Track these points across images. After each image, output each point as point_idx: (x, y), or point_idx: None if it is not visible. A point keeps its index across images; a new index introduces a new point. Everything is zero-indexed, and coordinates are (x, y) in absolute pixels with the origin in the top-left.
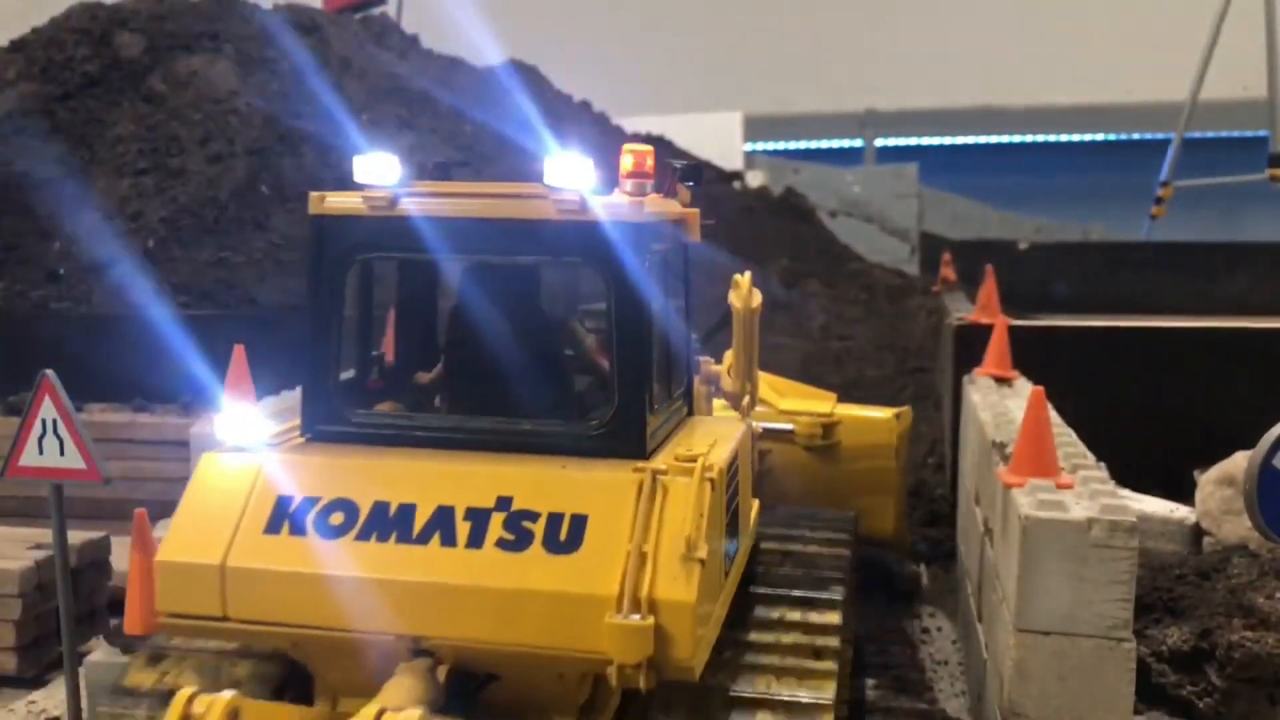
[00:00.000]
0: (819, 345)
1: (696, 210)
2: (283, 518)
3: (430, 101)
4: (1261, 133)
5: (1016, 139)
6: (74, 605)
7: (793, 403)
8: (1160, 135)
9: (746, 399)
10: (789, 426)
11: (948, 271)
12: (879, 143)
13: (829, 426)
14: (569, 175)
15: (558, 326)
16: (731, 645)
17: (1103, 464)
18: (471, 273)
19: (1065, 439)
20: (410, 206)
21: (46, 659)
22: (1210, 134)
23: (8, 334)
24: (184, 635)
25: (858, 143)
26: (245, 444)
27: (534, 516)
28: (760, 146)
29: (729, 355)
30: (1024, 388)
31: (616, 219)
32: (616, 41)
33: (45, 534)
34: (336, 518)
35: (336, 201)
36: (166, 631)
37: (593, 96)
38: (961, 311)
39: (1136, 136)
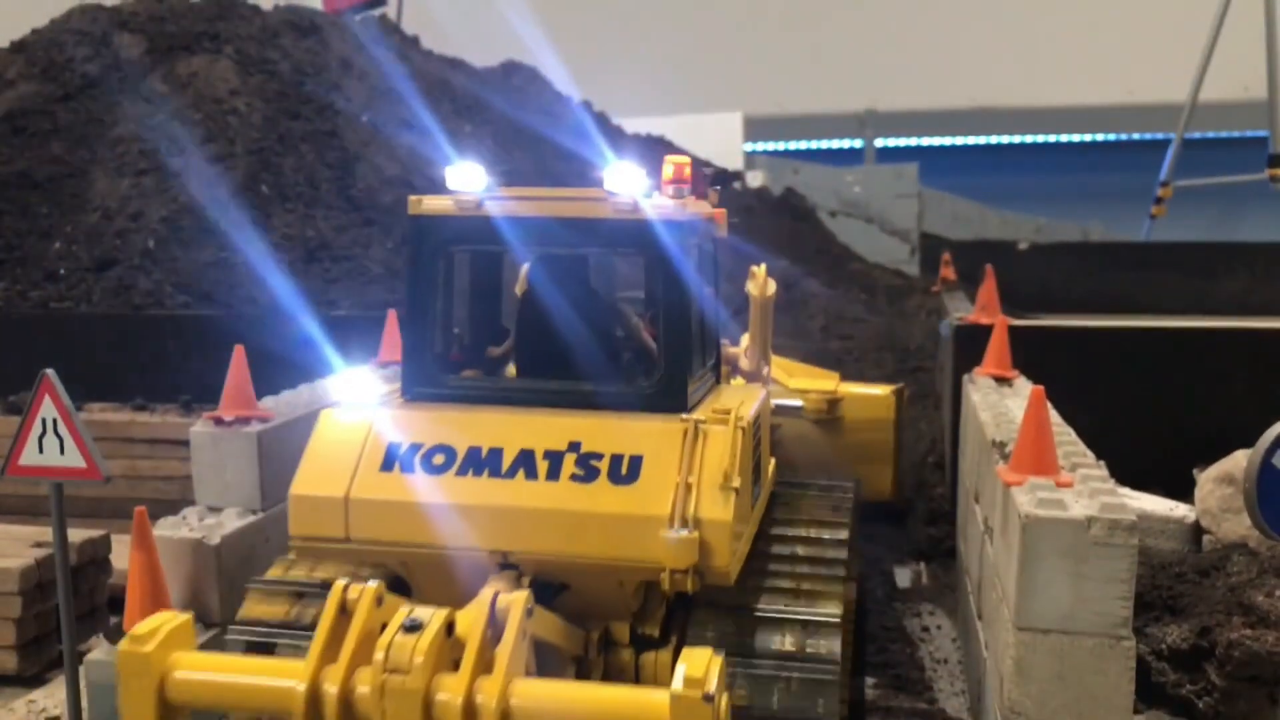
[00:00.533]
0: (819, 345)
1: (724, 210)
2: (394, 459)
3: (430, 102)
4: (1261, 133)
5: (1017, 139)
6: (74, 604)
7: (801, 381)
8: (1160, 135)
9: (766, 371)
10: (798, 403)
11: (947, 271)
12: (879, 143)
13: (834, 402)
14: (624, 181)
15: (610, 307)
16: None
17: (1102, 463)
18: (540, 262)
19: (1065, 438)
20: (493, 208)
21: (47, 657)
22: (1210, 134)
23: (8, 333)
24: (312, 557)
25: (858, 143)
26: (358, 403)
27: (599, 457)
28: (760, 147)
29: (745, 338)
30: (1024, 387)
31: (663, 218)
32: (616, 42)
33: (45, 532)
34: (438, 459)
35: (431, 204)
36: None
37: (593, 97)
38: (961, 311)
39: (1136, 137)
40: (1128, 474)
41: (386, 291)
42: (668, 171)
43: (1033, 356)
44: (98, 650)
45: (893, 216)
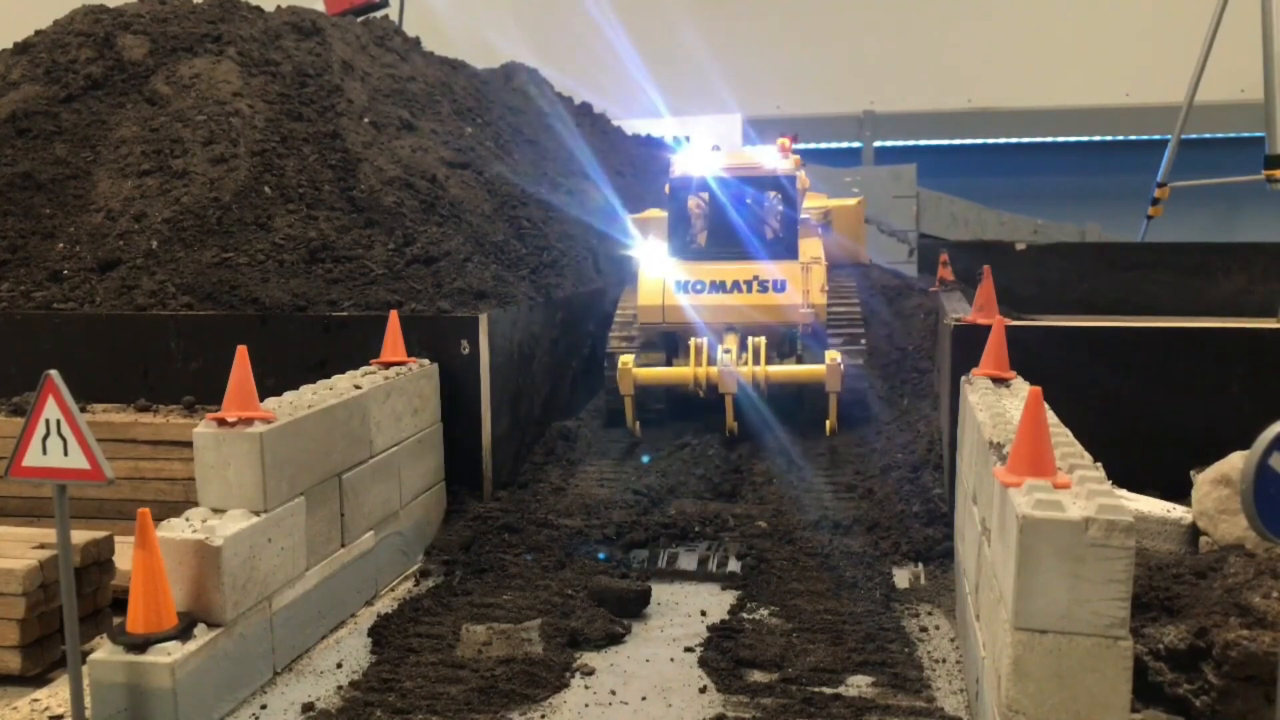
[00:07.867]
0: None
1: (801, 162)
2: (678, 286)
3: (432, 103)
4: (1258, 134)
5: (1014, 140)
6: (77, 604)
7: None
8: (1157, 137)
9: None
10: (809, 217)
11: (945, 272)
12: (877, 144)
13: (826, 211)
14: (772, 154)
15: (758, 210)
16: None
17: (1100, 464)
18: (727, 193)
19: (1062, 439)
20: (707, 169)
21: (50, 657)
22: (1207, 135)
23: (11, 334)
24: (648, 332)
25: (856, 144)
26: (655, 264)
27: (766, 280)
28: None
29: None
30: (1022, 388)
31: (785, 172)
32: (617, 45)
33: (49, 533)
34: (698, 285)
35: (679, 168)
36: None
37: (593, 99)
38: (959, 312)
39: (1134, 138)
40: (1125, 475)
41: (388, 292)
42: (783, 145)
43: (1030, 357)
44: (101, 650)
45: (891, 217)
